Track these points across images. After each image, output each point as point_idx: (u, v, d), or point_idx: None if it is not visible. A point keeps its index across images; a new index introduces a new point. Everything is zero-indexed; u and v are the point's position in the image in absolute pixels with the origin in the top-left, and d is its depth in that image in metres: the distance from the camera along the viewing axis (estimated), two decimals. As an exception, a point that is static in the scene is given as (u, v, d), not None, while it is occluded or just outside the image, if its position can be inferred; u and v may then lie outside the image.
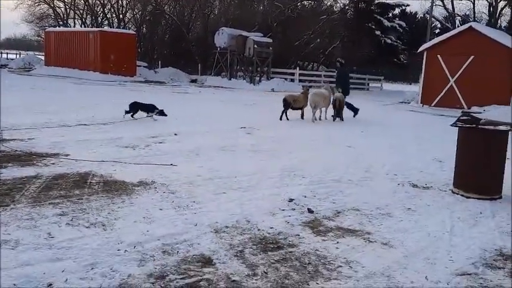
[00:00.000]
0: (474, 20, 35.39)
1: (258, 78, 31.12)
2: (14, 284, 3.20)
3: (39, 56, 38.98)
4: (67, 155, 7.23)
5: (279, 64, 33.40)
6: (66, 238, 4.01)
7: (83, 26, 43.48)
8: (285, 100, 13.40)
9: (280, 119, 13.28)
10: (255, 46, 30.33)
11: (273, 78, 31.03)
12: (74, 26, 43.88)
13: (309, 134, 10.93)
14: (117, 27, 40.43)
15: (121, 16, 43.00)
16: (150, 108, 11.70)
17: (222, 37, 31.74)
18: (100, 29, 34.10)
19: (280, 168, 7.14)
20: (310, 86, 15.28)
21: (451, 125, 6.49)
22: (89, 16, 43.97)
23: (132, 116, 11.47)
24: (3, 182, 5.53)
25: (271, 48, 31.36)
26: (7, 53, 51.05)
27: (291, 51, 37.02)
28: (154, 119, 11.46)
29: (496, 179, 6.14)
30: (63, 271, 3.43)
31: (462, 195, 6.11)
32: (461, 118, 6.47)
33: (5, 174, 5.90)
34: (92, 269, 3.51)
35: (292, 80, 31.58)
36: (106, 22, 43.73)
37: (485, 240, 4.59)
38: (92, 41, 29.72)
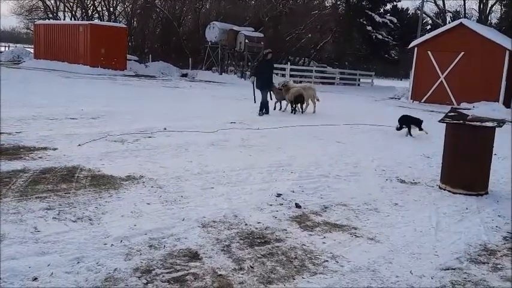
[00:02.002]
0: (465, 17, 35.59)
1: (248, 73, 31.04)
2: (-1, 278, 3.19)
3: (29, 49, 38.55)
4: (55, 149, 7.19)
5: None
6: (52, 232, 4.00)
7: (72, 19, 43.04)
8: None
9: (274, 108, 14.32)
10: (246, 41, 30.24)
11: (264, 73, 30.94)
12: (64, 19, 43.43)
13: (298, 129, 10.95)
14: (107, 21, 40.05)
15: (111, 9, 42.61)
16: (418, 123, 11.05)
17: (213, 31, 31.61)
18: (90, 22, 33.77)
19: (269, 163, 7.16)
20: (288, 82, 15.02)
21: (439, 121, 6.55)
22: (79, 9, 43.52)
23: (408, 130, 10.95)
24: (-10, 176, 5.49)
25: (262, 43, 31.26)
26: (-4, 46, 50.45)
27: (282, 46, 36.96)
28: (425, 132, 10.90)
29: (482, 175, 6.21)
30: (48, 265, 3.42)
31: (449, 191, 6.17)
32: (449, 114, 6.53)
33: (-8, 168, 5.85)
34: (78, 263, 3.50)
35: (283, 75, 31.52)
36: (96, 15, 43.25)
37: (470, 236, 4.65)
38: (82, 34, 29.42)
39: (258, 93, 13.69)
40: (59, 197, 4.93)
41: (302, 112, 14.37)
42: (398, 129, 11.12)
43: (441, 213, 5.30)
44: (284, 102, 14.56)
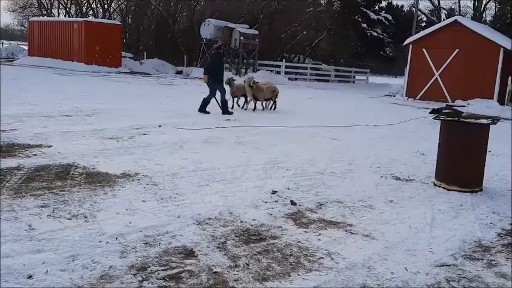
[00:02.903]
0: (459, 14, 35.66)
1: (244, 70, 31.03)
2: (-7, 276, 3.17)
3: (23, 46, 38.35)
4: (50, 147, 7.16)
5: (265, 56, 33.34)
6: (47, 230, 3.98)
7: (67, 15, 42.84)
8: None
9: (232, 107, 13.62)
10: (241, 38, 30.22)
11: (259, 70, 30.95)
12: (58, 16, 43.22)
13: (292, 126, 10.96)
14: (102, 18, 39.89)
15: (106, 6, 42.43)
16: None
17: (208, 28, 31.56)
18: (85, 19, 33.60)
19: (264, 161, 7.16)
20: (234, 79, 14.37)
21: (434, 118, 6.56)
22: (73, 6, 43.32)
23: None
24: (-16, 174, 5.46)
25: (257, 40, 31.26)
26: (-11, 43, 50.14)
27: (277, 43, 36.94)
28: None
29: (477, 172, 6.24)
30: (43, 263, 3.40)
31: (444, 188, 6.20)
32: (444, 111, 6.55)
33: (-14, 165, 5.81)
34: (73, 260, 3.49)
35: (278, 73, 31.54)
36: (91, 12, 43.10)
37: (465, 232, 4.67)
38: (76, 31, 29.28)
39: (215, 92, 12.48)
40: (54, 195, 4.91)
41: (272, 108, 14.00)
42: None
43: (436, 210, 5.32)
44: (241, 100, 13.90)
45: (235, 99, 13.84)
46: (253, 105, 13.77)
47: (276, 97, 13.96)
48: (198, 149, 7.80)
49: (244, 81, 13.57)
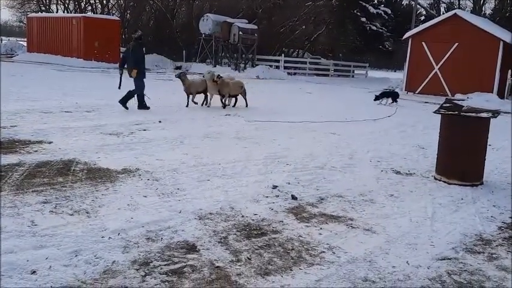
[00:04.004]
0: (459, 8, 35.59)
1: (243, 65, 30.98)
2: (-3, 272, 3.19)
3: (22, 42, 38.25)
4: (50, 143, 7.16)
5: (264, 51, 33.26)
6: (49, 225, 4.00)
7: (65, 11, 42.70)
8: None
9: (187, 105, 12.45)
10: (240, 33, 30.15)
11: (258, 65, 30.91)
12: (57, 12, 43.08)
13: (292, 121, 10.95)
14: (100, 13, 39.78)
15: (105, 2, 42.29)
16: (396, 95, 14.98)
17: (207, 23, 31.48)
18: (83, 14, 33.51)
19: (264, 156, 7.17)
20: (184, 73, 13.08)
21: (434, 112, 6.57)
22: (72, 1, 43.15)
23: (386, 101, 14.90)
24: (-15, 170, 5.46)
25: (256, 34, 31.19)
26: (-12, 39, 49.97)
27: (276, 38, 36.85)
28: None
29: (477, 166, 6.25)
30: (46, 258, 3.42)
31: (444, 182, 6.21)
32: (444, 105, 6.55)
33: (-13, 162, 5.82)
34: (76, 256, 3.51)
35: (277, 67, 31.50)
36: (89, 8, 42.95)
37: (466, 226, 4.69)
38: (75, 27, 29.21)
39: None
40: (56, 191, 4.92)
41: (233, 106, 13.06)
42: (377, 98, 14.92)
43: (437, 204, 5.33)
44: (204, 96, 12.72)
45: (190, 96, 12.38)
46: (223, 102, 12.65)
47: (245, 94, 13.00)
48: (198, 144, 7.80)
49: (203, 76, 12.51)
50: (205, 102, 12.71)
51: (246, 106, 12.98)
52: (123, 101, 11.05)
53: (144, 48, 11.71)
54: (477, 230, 4.60)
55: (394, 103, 15.03)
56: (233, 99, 13.07)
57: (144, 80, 11.27)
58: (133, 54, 11.07)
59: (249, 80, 25.43)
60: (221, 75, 12.64)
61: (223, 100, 12.65)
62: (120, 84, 11.15)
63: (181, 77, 12.29)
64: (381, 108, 14.69)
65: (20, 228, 3.92)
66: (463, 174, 6.14)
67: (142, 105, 11.35)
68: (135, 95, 11.23)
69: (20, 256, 3.42)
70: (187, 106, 12.21)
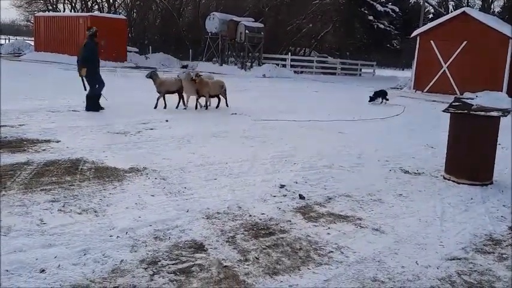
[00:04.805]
0: (467, 5, 35.36)
1: (249, 64, 30.95)
2: (7, 270, 3.20)
3: (29, 41, 38.46)
4: (58, 142, 7.19)
5: (270, 49, 33.20)
6: (58, 224, 4.01)
7: (72, 10, 42.90)
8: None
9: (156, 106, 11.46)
10: (247, 31, 30.09)
11: (264, 63, 30.87)
12: (64, 11, 43.30)
13: (299, 120, 10.91)
14: (107, 12, 39.92)
15: (111, 1, 42.43)
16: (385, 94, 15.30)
17: (213, 22, 31.45)
18: (90, 14, 33.65)
19: (271, 155, 7.15)
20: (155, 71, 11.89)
21: (444, 111, 6.52)
22: (78, 1, 43.35)
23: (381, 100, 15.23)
24: (-6, 169, 5.49)
25: (262, 33, 31.13)
26: (-4, 38, 50.33)
27: (283, 36, 36.80)
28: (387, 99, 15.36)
29: (487, 165, 6.20)
30: (55, 257, 3.43)
31: (453, 181, 6.16)
32: (453, 104, 6.50)
33: (-5, 160, 5.85)
34: (85, 254, 3.51)
35: (283, 66, 31.43)
36: (96, 7, 43.12)
37: (475, 226, 4.65)
38: (82, 26, 29.31)
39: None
40: (64, 189, 4.93)
41: (216, 107, 12.20)
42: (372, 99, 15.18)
43: (446, 204, 5.29)
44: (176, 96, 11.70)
45: (166, 96, 11.53)
46: (204, 103, 11.82)
47: (225, 93, 12.25)
48: (205, 143, 7.80)
49: (178, 76, 11.63)
50: (179, 104, 11.72)
51: (227, 106, 12.32)
52: (92, 106, 10.37)
53: (98, 46, 10.84)
54: (487, 230, 4.55)
55: (385, 101, 15.43)
56: (209, 101, 11.97)
57: (100, 78, 10.55)
58: (85, 51, 10.35)
59: (256, 79, 25.47)
60: (200, 73, 11.91)
61: (199, 100, 11.74)
62: (84, 86, 10.45)
63: (152, 76, 11.41)
64: (389, 106, 14.61)
65: (29, 226, 3.93)
66: (473, 173, 6.09)
67: (94, 107, 10.39)
68: (97, 94, 10.47)
69: (29, 255, 3.43)
70: (155, 108, 11.22)
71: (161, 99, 11.43)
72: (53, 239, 3.72)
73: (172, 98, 11.61)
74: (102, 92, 10.58)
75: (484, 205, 5.32)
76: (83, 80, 10.37)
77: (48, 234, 3.81)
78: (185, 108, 11.61)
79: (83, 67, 10.21)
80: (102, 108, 10.52)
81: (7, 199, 4.53)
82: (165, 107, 11.40)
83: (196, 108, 11.67)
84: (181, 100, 11.74)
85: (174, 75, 13.33)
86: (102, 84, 10.58)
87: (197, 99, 11.72)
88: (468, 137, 6.14)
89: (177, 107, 11.60)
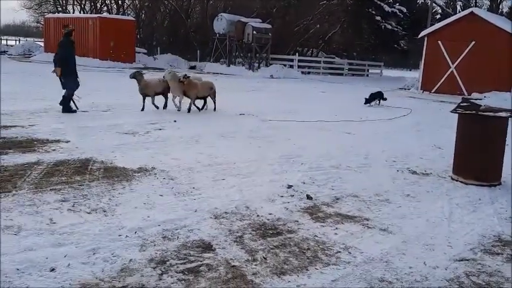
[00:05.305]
0: (475, 6, 35.16)
1: (257, 65, 30.98)
2: (18, 269, 3.24)
3: (39, 43, 38.75)
4: (68, 142, 7.25)
5: (278, 50, 33.21)
6: (68, 224, 4.05)
7: (81, 12, 43.19)
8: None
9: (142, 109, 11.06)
10: (254, 32, 30.13)
11: (271, 64, 30.89)
12: (73, 12, 43.60)
13: (306, 120, 10.92)
14: (116, 14, 40.16)
15: (120, 2, 42.69)
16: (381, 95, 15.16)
17: (221, 23, 31.53)
18: (99, 15, 33.87)
19: (279, 155, 7.16)
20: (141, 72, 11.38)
21: (452, 112, 6.50)
22: (88, 2, 43.64)
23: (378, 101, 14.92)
24: (5, 168, 5.55)
25: (270, 34, 31.15)
26: (6, 40, 50.78)
27: (290, 37, 36.77)
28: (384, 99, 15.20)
29: (495, 166, 6.17)
30: (65, 256, 3.47)
31: (461, 182, 6.14)
32: (461, 104, 6.48)
33: (7, 160, 5.92)
34: (94, 254, 3.55)
35: (291, 67, 31.43)
36: (105, 8, 43.41)
37: (484, 227, 4.63)
38: (91, 28, 29.54)
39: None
40: (73, 189, 4.98)
41: (201, 109, 11.68)
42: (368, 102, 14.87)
43: (454, 204, 5.28)
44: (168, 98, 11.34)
45: (151, 98, 11.08)
46: (188, 104, 11.21)
47: (214, 95, 11.62)
48: (213, 143, 7.83)
49: (163, 77, 11.07)
50: (166, 105, 11.37)
51: (214, 110, 11.64)
52: (66, 107, 10.12)
53: (74, 45, 10.61)
54: (495, 231, 4.54)
55: (382, 100, 15.22)
56: (194, 102, 11.37)
57: (77, 79, 10.24)
58: (60, 51, 10.14)
59: (263, 80, 25.50)
60: (188, 74, 11.36)
61: (176, 101, 11.10)
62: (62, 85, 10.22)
63: (137, 76, 10.86)
64: (397, 106, 14.57)
65: (39, 226, 3.98)
66: (481, 174, 6.07)
67: (66, 108, 10.12)
68: (68, 95, 10.15)
69: (39, 254, 3.48)
70: (142, 110, 10.88)
71: (151, 100, 11.06)
72: (63, 238, 3.76)
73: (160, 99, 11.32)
74: (75, 94, 10.24)
75: (493, 206, 5.30)
76: (60, 79, 10.17)
77: (58, 233, 3.86)
78: (179, 110, 11.07)
79: (58, 67, 9.97)
80: (74, 111, 10.19)
81: (18, 198, 4.58)
82: (160, 108, 11.13)
83: (189, 111, 11.09)
84: (167, 100, 11.35)
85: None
86: (75, 86, 10.22)
87: (172, 99, 11.19)
88: (476, 137, 6.11)
89: (164, 108, 11.30)
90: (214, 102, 11.71)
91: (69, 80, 10.07)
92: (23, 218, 4.11)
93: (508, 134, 6.30)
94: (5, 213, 4.20)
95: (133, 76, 10.91)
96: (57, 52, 10.33)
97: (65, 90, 10.13)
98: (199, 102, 11.66)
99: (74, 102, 10.28)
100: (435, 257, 3.87)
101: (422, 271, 3.61)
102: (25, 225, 3.97)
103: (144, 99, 11.03)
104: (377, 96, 15.04)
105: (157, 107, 11.16)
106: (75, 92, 10.25)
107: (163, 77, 11.08)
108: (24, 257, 3.41)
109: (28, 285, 3.07)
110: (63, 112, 10.01)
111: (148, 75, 12.57)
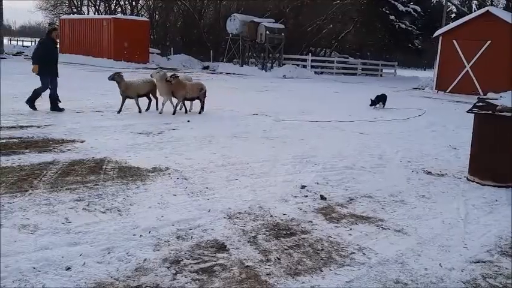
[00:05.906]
0: (491, 4, 34.71)
1: (269, 65, 30.95)
2: (34, 268, 3.28)
3: (53, 43, 39.19)
4: (83, 142, 7.32)
5: (291, 50, 33.18)
6: (83, 223, 4.09)
7: (96, 13, 43.61)
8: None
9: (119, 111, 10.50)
10: (267, 32, 30.12)
11: (284, 64, 30.86)
12: (88, 13, 44.04)
13: (319, 120, 10.87)
14: (130, 14, 40.46)
15: (134, 3, 43.00)
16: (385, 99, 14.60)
17: (234, 23, 31.57)
18: (113, 16, 34.15)
19: (292, 155, 7.15)
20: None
21: (467, 112, 6.42)
22: (102, 3, 44.06)
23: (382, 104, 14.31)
24: (22, 168, 5.62)
25: (283, 34, 31.11)
26: (22, 41, 51.52)
27: (303, 37, 36.72)
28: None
29: None
30: (80, 255, 3.50)
31: (477, 183, 6.07)
32: (477, 104, 6.40)
33: (23, 160, 5.99)
34: (109, 253, 3.57)
35: (304, 66, 31.36)
36: (119, 9, 43.77)
37: (500, 228, 4.57)
38: (105, 29, 29.81)
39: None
40: (88, 189, 5.02)
41: (187, 111, 11.12)
42: (373, 104, 14.30)
43: (470, 205, 5.21)
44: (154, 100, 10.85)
45: (134, 100, 10.54)
46: (182, 106, 10.95)
47: (204, 97, 10.98)
48: (226, 143, 7.84)
49: (151, 76, 10.58)
50: (149, 107, 10.87)
51: (200, 112, 10.95)
52: (29, 101, 9.99)
53: (56, 44, 10.46)
54: (512, 233, 4.47)
55: (382, 105, 14.59)
56: (187, 104, 11.04)
57: (57, 78, 10.19)
58: (40, 49, 10.14)
59: (276, 80, 25.47)
60: (177, 74, 10.69)
61: (161, 103, 10.60)
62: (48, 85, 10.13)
63: (115, 78, 10.20)
64: (411, 107, 14.45)
65: (54, 225, 4.02)
66: (497, 175, 5.99)
67: (54, 107, 10.15)
68: (39, 93, 10.06)
69: (55, 252, 3.51)
70: (119, 112, 10.33)
71: (135, 101, 10.55)
72: (78, 238, 3.80)
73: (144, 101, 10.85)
74: (43, 94, 10.12)
75: (509, 207, 5.22)
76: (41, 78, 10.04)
77: (73, 232, 3.89)
78: (160, 113, 10.50)
79: (36, 65, 9.88)
80: (35, 109, 10.01)
81: (34, 198, 4.63)
82: (143, 111, 10.66)
83: (173, 113, 10.51)
84: (150, 102, 10.85)
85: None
86: (52, 86, 10.12)
87: (182, 102, 10.86)
88: (493, 138, 6.03)
89: (147, 109, 10.78)
90: (203, 104, 11.00)
91: (45, 78, 10.01)
92: (39, 217, 4.15)
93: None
94: (22, 212, 4.25)
95: (112, 78, 10.26)
96: (35, 50, 10.34)
97: (39, 87, 10.05)
98: (196, 104, 11.17)
99: (59, 101, 10.26)
100: (451, 258, 3.83)
101: (438, 273, 3.57)
102: (41, 224, 4.01)
103: (123, 101, 10.46)
104: (381, 99, 14.81)
105: (140, 111, 10.57)
106: (58, 93, 10.20)
107: (151, 75, 10.58)
108: (41, 255, 3.45)
109: (44, 284, 3.10)
110: (51, 110, 10.03)
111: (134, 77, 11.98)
